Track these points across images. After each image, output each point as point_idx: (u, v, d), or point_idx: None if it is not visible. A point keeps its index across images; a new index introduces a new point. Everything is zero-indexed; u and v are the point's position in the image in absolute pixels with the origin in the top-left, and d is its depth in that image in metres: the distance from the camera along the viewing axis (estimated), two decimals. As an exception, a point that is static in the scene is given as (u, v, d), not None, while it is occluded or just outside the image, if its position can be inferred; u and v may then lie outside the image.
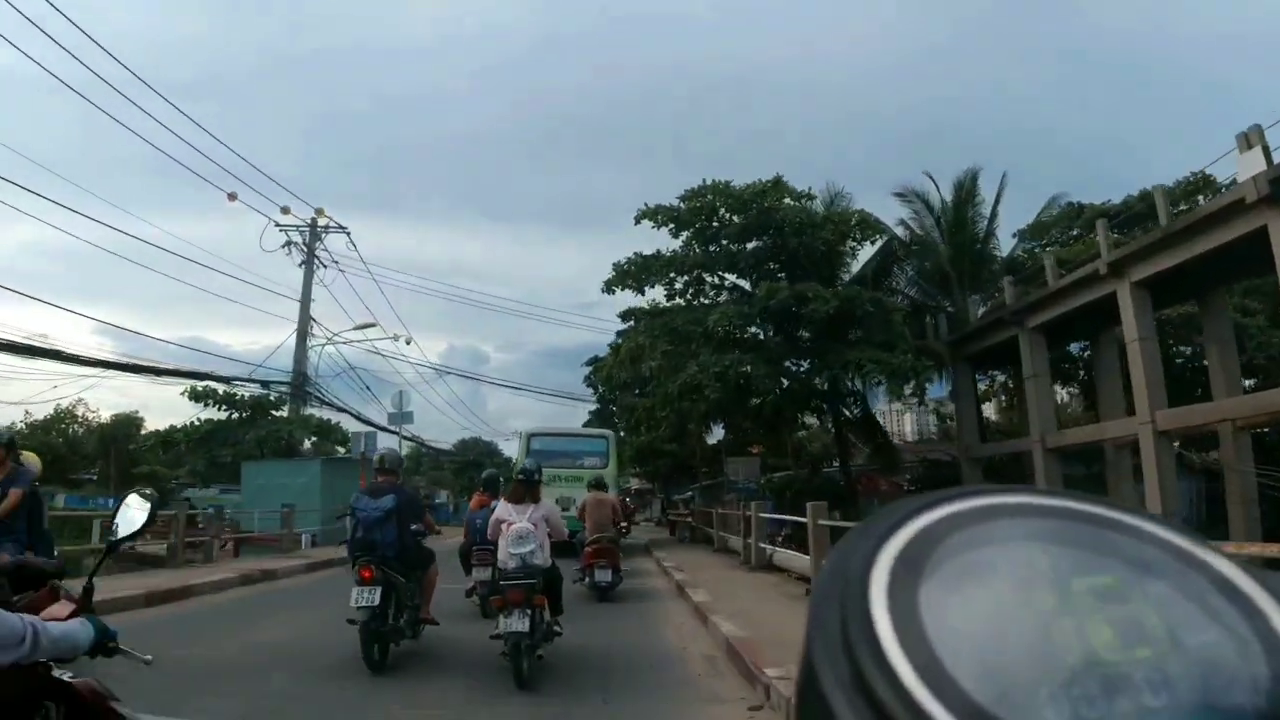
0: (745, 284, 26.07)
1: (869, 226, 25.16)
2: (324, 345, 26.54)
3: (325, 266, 28.46)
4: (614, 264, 25.67)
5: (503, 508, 7.21)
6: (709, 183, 24.30)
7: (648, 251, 25.74)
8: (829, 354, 22.63)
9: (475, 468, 67.71)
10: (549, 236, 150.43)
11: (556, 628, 7.05)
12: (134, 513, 2.51)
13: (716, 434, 37.44)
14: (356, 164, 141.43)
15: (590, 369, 45.40)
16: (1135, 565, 0.40)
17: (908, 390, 23.61)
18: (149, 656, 2.22)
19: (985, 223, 25.88)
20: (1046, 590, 0.39)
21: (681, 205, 24.62)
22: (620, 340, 26.73)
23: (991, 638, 0.36)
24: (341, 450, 27.86)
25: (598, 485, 13.78)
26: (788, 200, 24.10)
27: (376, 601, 6.59)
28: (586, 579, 11.95)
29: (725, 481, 25.30)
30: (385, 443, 24.05)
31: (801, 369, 24.23)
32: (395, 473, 7.62)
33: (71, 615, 2.01)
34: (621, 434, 35.24)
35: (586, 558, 12.06)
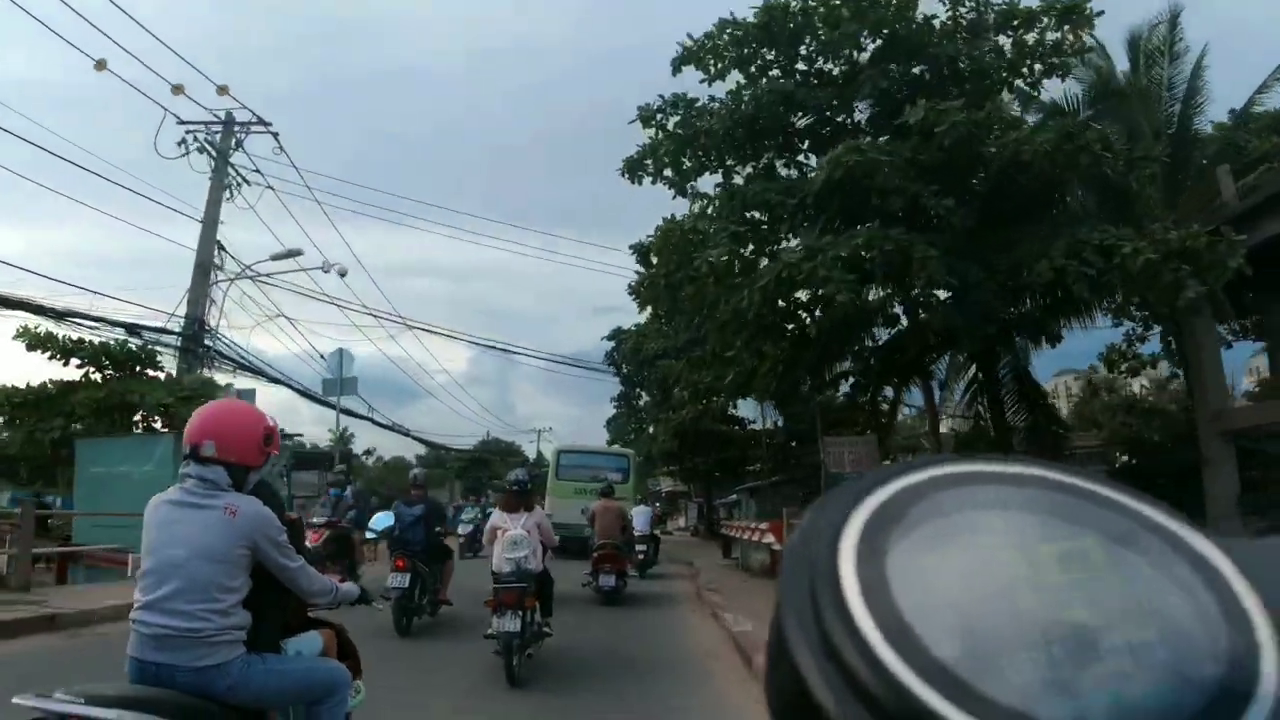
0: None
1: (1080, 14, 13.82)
2: (232, 281, 18.61)
3: (247, 184, 20.56)
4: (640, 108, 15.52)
5: (498, 515, 8.04)
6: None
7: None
8: (1023, 241, 12.47)
9: (481, 466, 60.94)
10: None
11: (546, 629, 7.64)
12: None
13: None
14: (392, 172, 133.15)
15: (612, 341, 37.49)
16: (1105, 535, 0.41)
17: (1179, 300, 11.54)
18: (381, 606, 3.59)
19: (1183, 91, 17.30)
20: (1015, 555, 0.39)
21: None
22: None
23: (959, 601, 0.37)
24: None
25: (607, 493, 14.12)
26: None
27: (406, 585, 8.53)
28: (592, 582, 12.50)
29: (826, 474, 15.81)
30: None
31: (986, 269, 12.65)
32: (424, 488, 10.15)
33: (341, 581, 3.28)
34: (650, 429, 36.17)
35: (594, 562, 12.61)
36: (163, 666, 2.66)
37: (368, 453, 75.70)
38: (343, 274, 21.26)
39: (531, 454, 72.64)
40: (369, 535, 11.15)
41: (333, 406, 21.13)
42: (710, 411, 26.12)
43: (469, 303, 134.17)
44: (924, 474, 0.43)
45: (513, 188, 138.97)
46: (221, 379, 18.89)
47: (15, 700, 2.34)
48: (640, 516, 17.46)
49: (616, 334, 36.56)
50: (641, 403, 38.51)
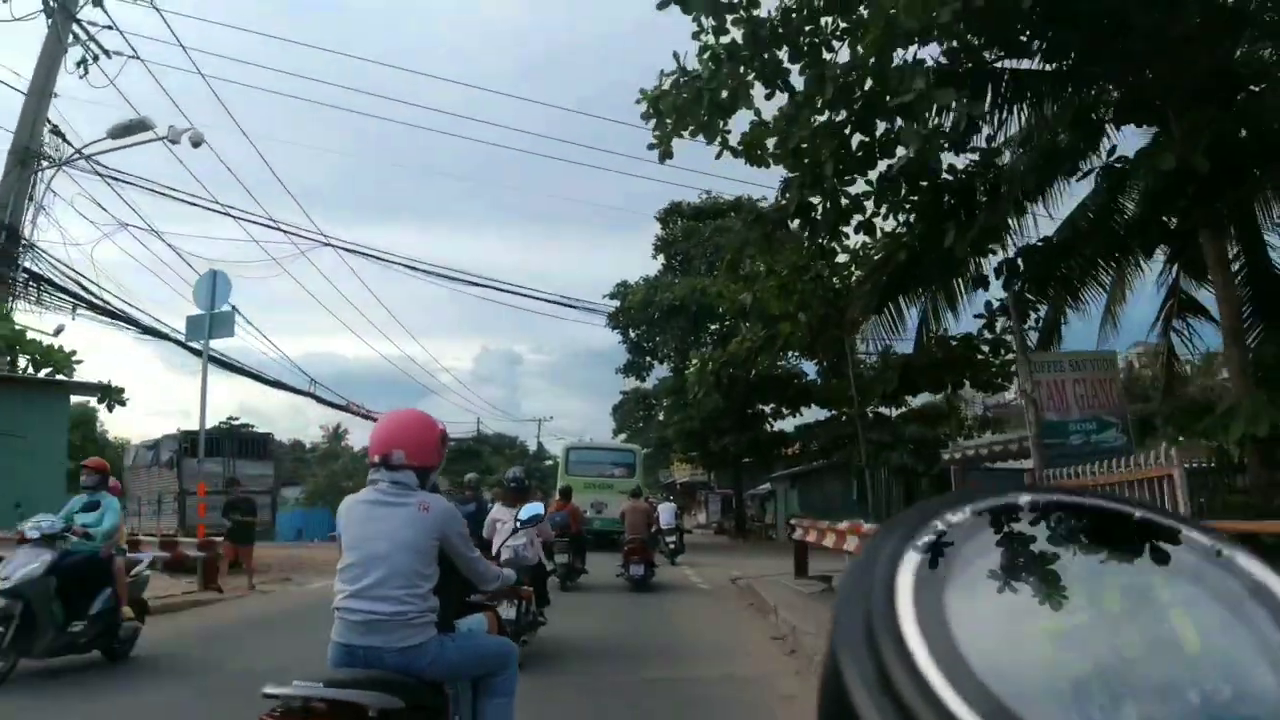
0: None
1: None
2: (58, 168, 12.29)
3: (106, 54, 14.32)
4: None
5: (498, 510, 8.66)
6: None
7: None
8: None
9: (470, 459, 54.85)
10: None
11: (541, 618, 8.04)
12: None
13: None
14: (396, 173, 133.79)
15: (616, 299, 31.09)
16: (1164, 568, 0.41)
17: None
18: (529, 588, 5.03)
19: None
20: (1073, 591, 0.39)
21: None
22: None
23: (1016, 638, 0.37)
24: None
25: (636, 494, 16.95)
26: None
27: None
28: (625, 572, 14.08)
29: (1038, 419, 8.82)
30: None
31: None
32: (475, 489, 11.64)
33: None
34: (660, 414, 35.84)
35: (625, 555, 14.24)
36: (370, 649, 2.97)
37: (365, 448, 69.54)
38: (196, 143, 14.79)
39: (532, 445, 66.78)
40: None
41: (197, 353, 14.75)
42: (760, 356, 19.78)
43: (477, 300, 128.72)
44: (979, 506, 0.42)
45: (524, 182, 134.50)
46: (51, 321, 12.60)
47: (266, 690, 2.66)
48: (665, 512, 18.99)
49: (620, 291, 30.10)
50: (650, 376, 32.04)
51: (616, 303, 31.02)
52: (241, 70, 75.48)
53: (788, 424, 30.65)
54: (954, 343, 12.63)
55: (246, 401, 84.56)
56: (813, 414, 27.61)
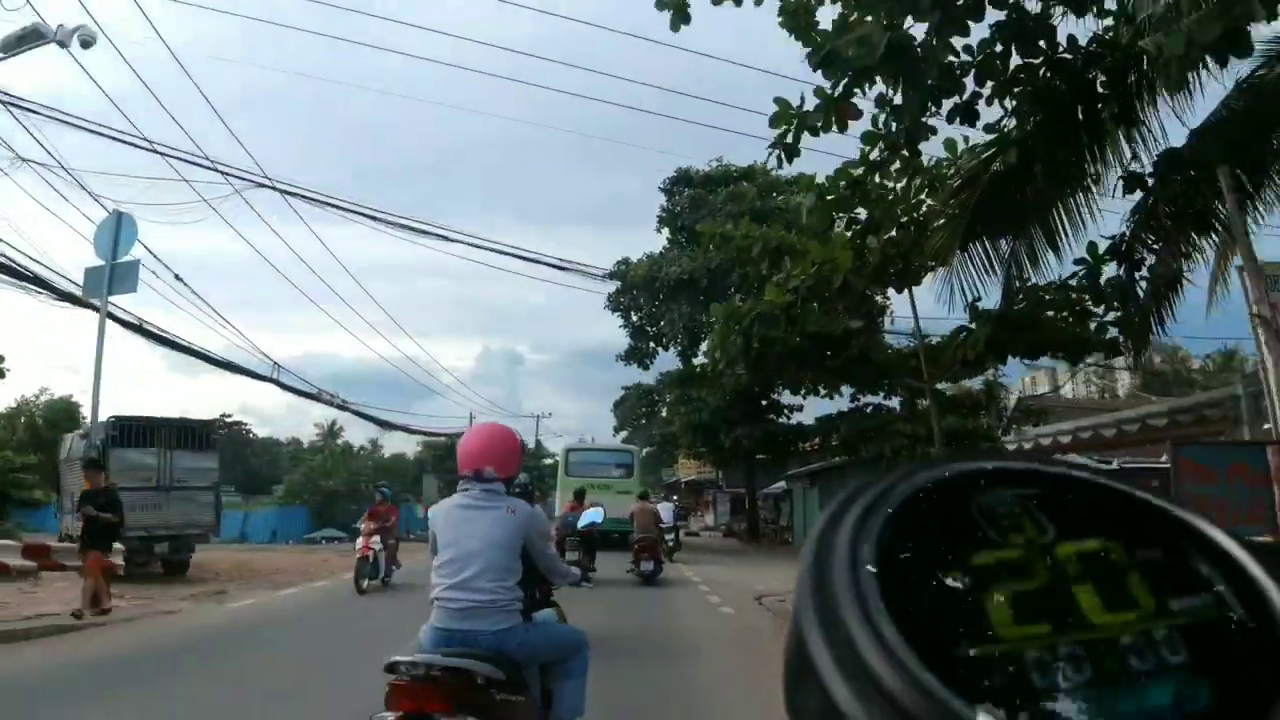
0: None
1: None
2: None
3: None
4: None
5: None
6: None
7: None
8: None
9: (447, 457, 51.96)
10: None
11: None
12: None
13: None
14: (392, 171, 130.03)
15: (617, 280, 28.12)
16: (1124, 532, 0.42)
17: None
18: (589, 586, 6.99)
19: None
20: (1034, 555, 0.40)
21: None
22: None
23: (979, 602, 0.38)
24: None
25: (644, 496, 18.59)
26: None
27: None
28: (636, 568, 15.42)
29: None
30: None
31: None
32: (526, 490, 9.96)
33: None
34: (663, 411, 34.41)
35: (635, 553, 15.59)
36: (468, 633, 3.35)
37: (363, 448, 67.14)
38: (86, 44, 11.84)
39: (532, 443, 63.97)
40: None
41: (94, 308, 11.87)
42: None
43: (478, 302, 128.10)
44: (939, 473, 0.43)
45: (524, 184, 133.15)
46: None
47: (392, 660, 3.15)
48: (665, 511, 19.41)
49: (622, 269, 27.15)
50: (653, 366, 29.10)
51: (617, 284, 28.06)
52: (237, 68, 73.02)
53: (804, 416, 27.73)
54: (1049, 295, 9.61)
55: (248, 401, 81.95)
56: (831, 405, 24.71)
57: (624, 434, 68.27)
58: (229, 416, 66.97)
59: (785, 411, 27.63)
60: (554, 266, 23.11)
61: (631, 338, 28.68)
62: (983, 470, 0.44)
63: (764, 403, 28.02)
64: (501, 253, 25.88)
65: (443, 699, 3.05)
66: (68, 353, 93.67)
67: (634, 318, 28.41)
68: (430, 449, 51.62)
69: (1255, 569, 0.39)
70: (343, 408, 29.19)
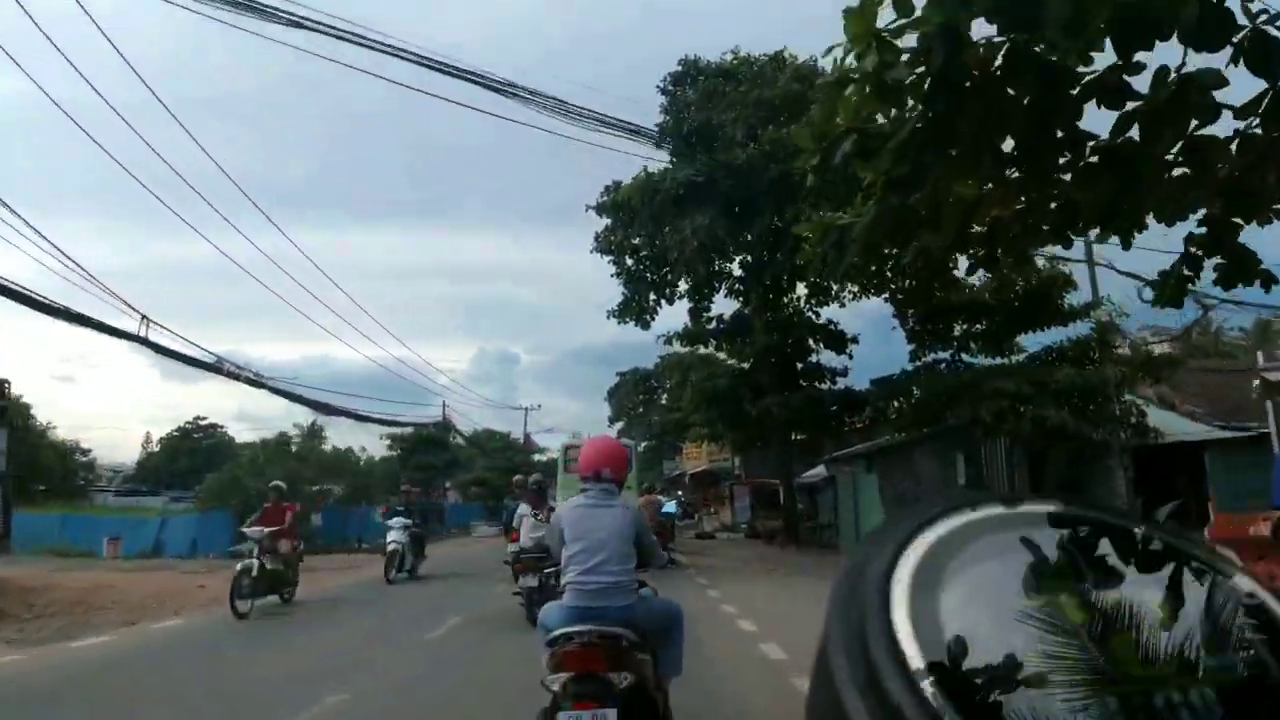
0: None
1: None
2: None
3: None
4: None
5: (523, 506, 11.46)
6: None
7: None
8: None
9: (434, 450, 45.72)
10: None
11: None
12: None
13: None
14: (387, 170, 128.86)
15: (607, 216, 21.78)
16: (1156, 580, 0.42)
17: None
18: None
19: None
20: (1065, 602, 0.41)
21: None
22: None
23: (1009, 643, 0.38)
24: None
25: (650, 490, 20.75)
26: None
27: (536, 584, 9.75)
28: None
29: None
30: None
31: None
32: (540, 490, 12.28)
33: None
34: (663, 397, 38.68)
35: None
36: (599, 609, 4.11)
37: (347, 448, 60.79)
38: None
39: (518, 435, 57.82)
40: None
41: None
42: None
43: (473, 302, 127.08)
44: (971, 515, 0.44)
45: (515, 184, 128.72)
46: None
47: (555, 633, 4.04)
48: (666, 506, 21.70)
49: (609, 202, 20.75)
50: (654, 320, 22.71)
51: (606, 221, 21.73)
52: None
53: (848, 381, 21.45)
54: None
55: (245, 406, 76.11)
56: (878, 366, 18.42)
57: (620, 425, 61.86)
58: (201, 419, 61.01)
59: (828, 376, 21.39)
60: (498, 89, 16.29)
61: (626, 286, 22.27)
62: (1012, 513, 0.44)
63: (799, 365, 21.73)
64: (437, 68, 16.72)
65: (603, 659, 3.94)
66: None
67: (629, 262, 22.04)
68: (399, 444, 45.29)
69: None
70: (256, 383, 22.91)
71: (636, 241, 20.87)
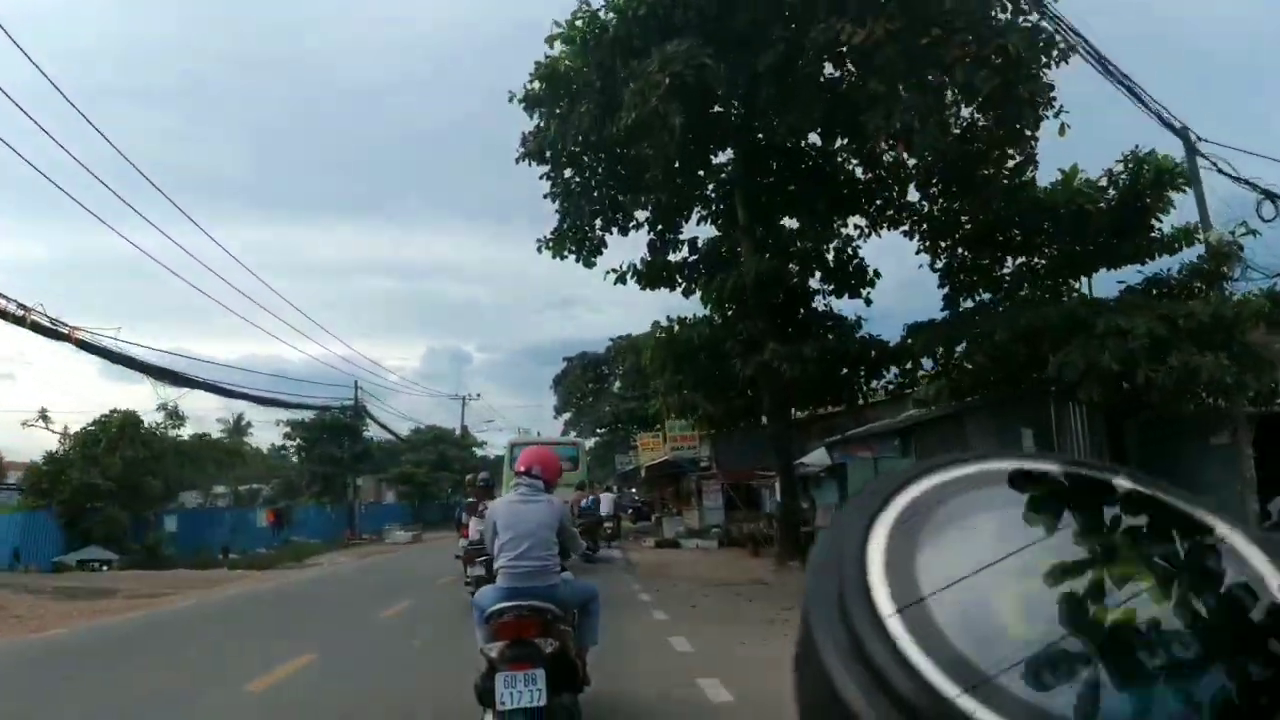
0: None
1: None
2: None
3: None
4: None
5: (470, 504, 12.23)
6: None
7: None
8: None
9: (344, 435, 39.13)
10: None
11: None
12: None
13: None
14: (329, 166, 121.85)
15: (531, 104, 15.65)
16: (1129, 532, 0.42)
17: None
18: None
19: None
20: (1038, 556, 0.40)
21: None
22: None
23: (986, 605, 0.38)
24: None
25: (580, 487, 21.41)
26: None
27: (483, 572, 9.04)
28: None
29: None
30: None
31: None
32: (488, 486, 12.95)
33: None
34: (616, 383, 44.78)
35: None
36: (528, 588, 4.76)
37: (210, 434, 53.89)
38: None
39: (454, 427, 51.63)
40: None
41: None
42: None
43: (421, 300, 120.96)
44: (944, 475, 0.44)
45: (459, 179, 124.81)
46: None
47: (491, 609, 4.77)
48: (605, 502, 22.15)
49: (542, 72, 14.51)
50: (603, 254, 16.66)
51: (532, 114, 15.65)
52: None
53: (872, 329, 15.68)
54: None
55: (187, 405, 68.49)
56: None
57: (566, 416, 55.75)
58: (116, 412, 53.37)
59: (834, 332, 15.60)
60: None
61: (564, 203, 16.18)
62: (985, 470, 0.43)
63: (801, 311, 15.91)
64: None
65: (533, 628, 4.58)
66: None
67: (568, 174, 15.97)
68: (300, 431, 38.42)
69: (1268, 568, 0.39)
70: (56, 331, 16.43)
71: (579, 139, 14.76)
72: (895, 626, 0.35)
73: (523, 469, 5.19)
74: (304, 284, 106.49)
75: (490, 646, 4.53)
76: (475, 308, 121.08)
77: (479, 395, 61.31)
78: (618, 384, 52.03)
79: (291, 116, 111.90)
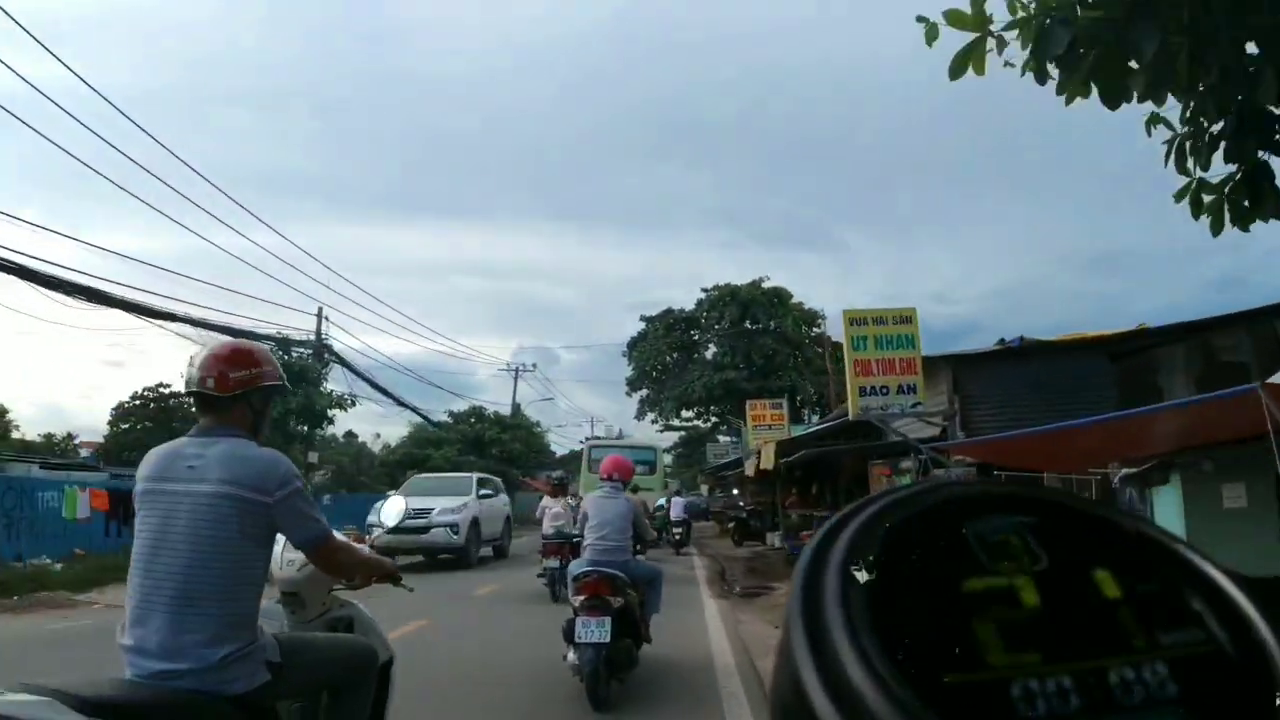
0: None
1: None
2: None
3: None
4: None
5: (547, 499, 13.21)
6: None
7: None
8: None
9: (302, 382, 37.72)
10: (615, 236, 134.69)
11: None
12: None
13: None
14: (422, 169, 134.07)
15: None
16: (1118, 563, 0.42)
17: None
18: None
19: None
20: (1026, 583, 0.41)
21: None
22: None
23: (969, 628, 0.39)
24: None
25: (634, 490, 14.91)
26: None
27: (558, 564, 11.45)
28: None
29: None
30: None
31: None
32: (563, 482, 14.46)
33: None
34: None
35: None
36: (606, 562, 6.39)
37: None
38: None
39: (505, 402, 46.33)
40: None
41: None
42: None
43: (511, 301, 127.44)
44: (934, 496, 0.45)
45: (556, 183, 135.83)
46: None
47: (573, 571, 6.51)
48: (677, 505, 22.77)
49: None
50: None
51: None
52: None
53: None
54: None
55: None
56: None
57: (642, 393, 45.49)
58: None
59: None
60: None
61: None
62: (978, 495, 0.44)
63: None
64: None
65: (606, 588, 6.02)
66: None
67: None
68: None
69: (1244, 604, 0.39)
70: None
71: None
72: (876, 655, 0.35)
73: (604, 476, 7.09)
74: (401, 283, 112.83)
75: (575, 599, 6.06)
76: (559, 309, 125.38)
77: (534, 366, 55.91)
78: (712, 348, 43.19)
79: (403, 124, 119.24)
